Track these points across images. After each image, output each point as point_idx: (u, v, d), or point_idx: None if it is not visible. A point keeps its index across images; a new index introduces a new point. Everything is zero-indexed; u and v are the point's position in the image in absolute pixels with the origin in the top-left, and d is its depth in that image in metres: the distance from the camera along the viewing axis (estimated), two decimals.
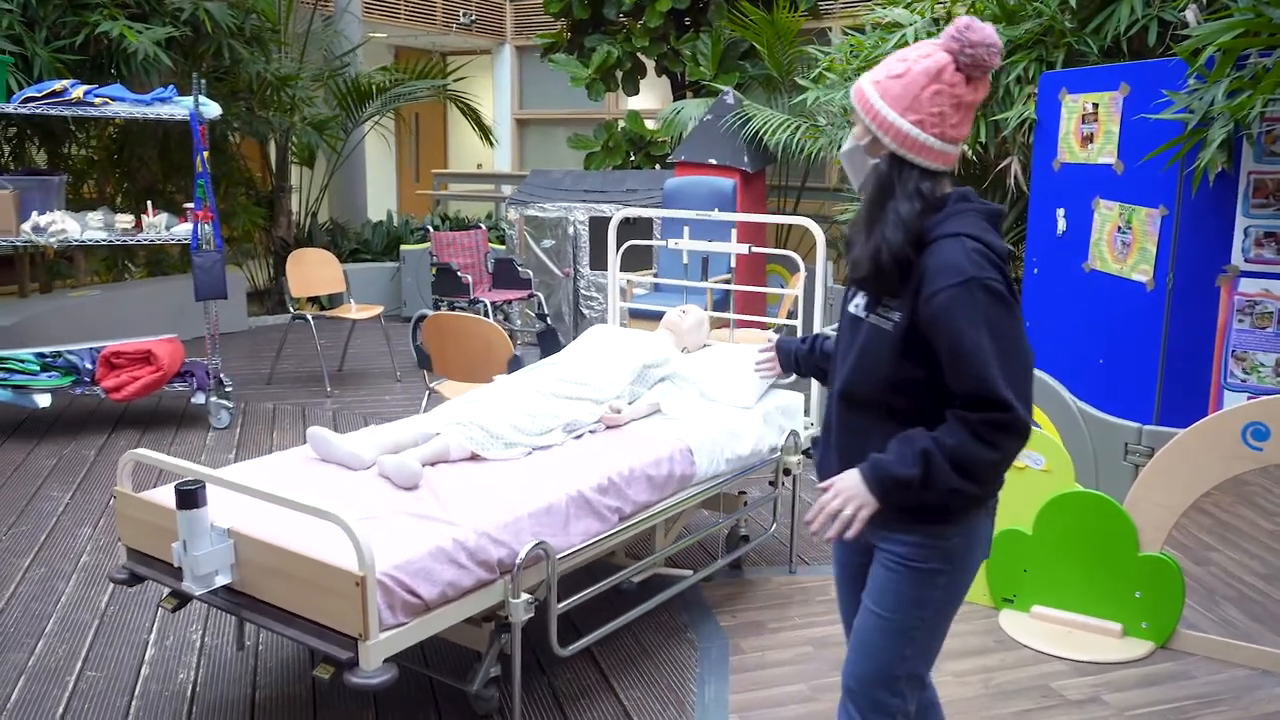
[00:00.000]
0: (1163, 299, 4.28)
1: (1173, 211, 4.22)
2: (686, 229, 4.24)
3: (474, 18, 12.24)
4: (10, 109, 5.03)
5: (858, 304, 1.97)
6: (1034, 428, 1.98)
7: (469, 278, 6.93)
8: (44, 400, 5.29)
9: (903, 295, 1.83)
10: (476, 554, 2.53)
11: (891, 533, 1.93)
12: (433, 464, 2.98)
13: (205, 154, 5.24)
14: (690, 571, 3.50)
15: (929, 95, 1.79)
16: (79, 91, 5.10)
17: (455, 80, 10.25)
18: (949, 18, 5.66)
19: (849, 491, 1.85)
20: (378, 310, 6.71)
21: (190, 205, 5.37)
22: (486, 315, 6.77)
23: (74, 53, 6.14)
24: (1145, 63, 4.48)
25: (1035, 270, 5.19)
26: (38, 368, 5.31)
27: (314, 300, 8.29)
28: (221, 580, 2.51)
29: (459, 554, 2.49)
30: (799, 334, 4.37)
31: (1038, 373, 3.75)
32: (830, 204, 8.33)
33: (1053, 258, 5.05)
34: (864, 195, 1.91)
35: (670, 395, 3.61)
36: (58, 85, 5.07)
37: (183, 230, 5.42)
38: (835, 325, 2.20)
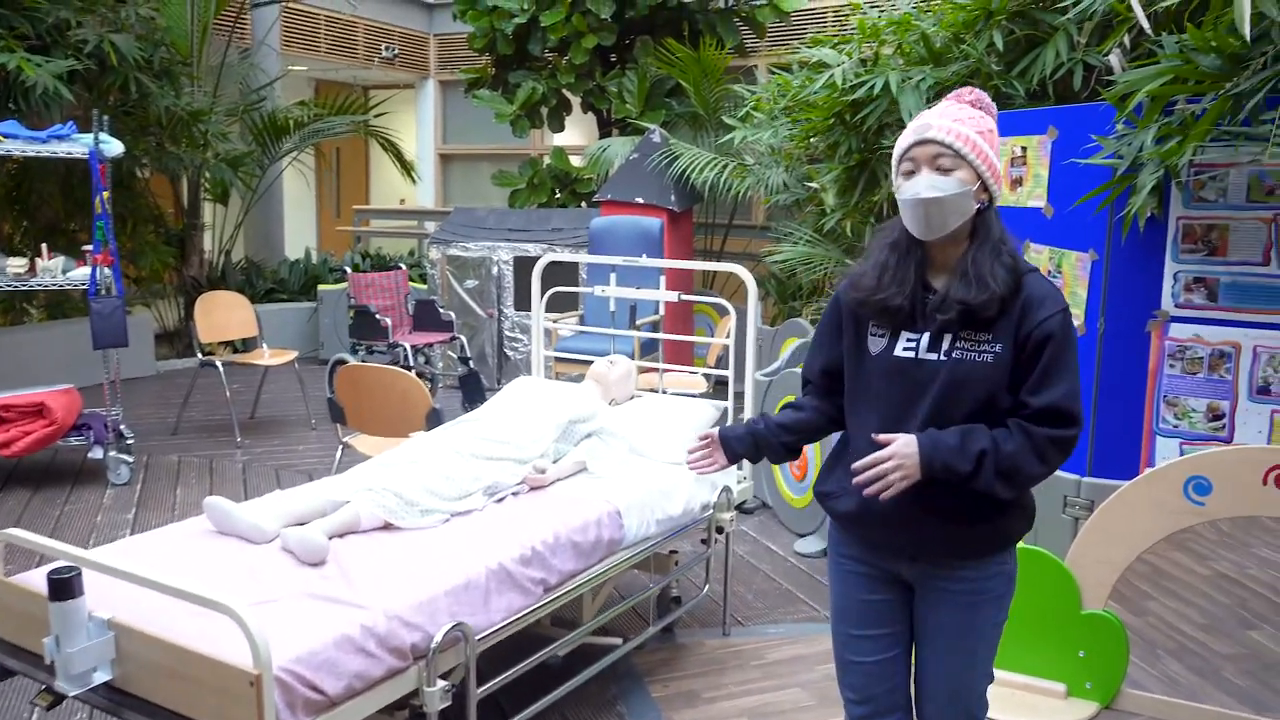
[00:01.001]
0: (1094, 344, 4.24)
1: (1103, 256, 4.19)
2: (613, 275, 4.09)
3: (397, 51, 12.03)
4: None
5: (909, 346, 2.01)
6: None
7: (388, 320, 6.69)
8: None
9: (998, 326, 1.95)
10: (387, 640, 2.32)
11: (963, 565, 2.06)
12: (342, 535, 2.77)
13: (105, 194, 4.95)
14: (620, 640, 3.31)
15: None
16: None
17: (377, 115, 10.01)
18: (877, 59, 5.63)
19: (906, 461, 1.92)
20: (291, 355, 6.42)
21: (89, 248, 5.07)
22: (406, 359, 6.53)
23: None
24: (1074, 107, 4.47)
25: None
26: None
27: (228, 344, 7.95)
28: (100, 678, 2.26)
29: (367, 641, 2.28)
30: (730, 381, 4.23)
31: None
32: (758, 242, 8.28)
33: None
34: (953, 236, 2.00)
35: (597, 452, 3.43)
36: None
37: (80, 275, 5.12)
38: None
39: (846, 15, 7.20)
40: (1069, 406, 1.92)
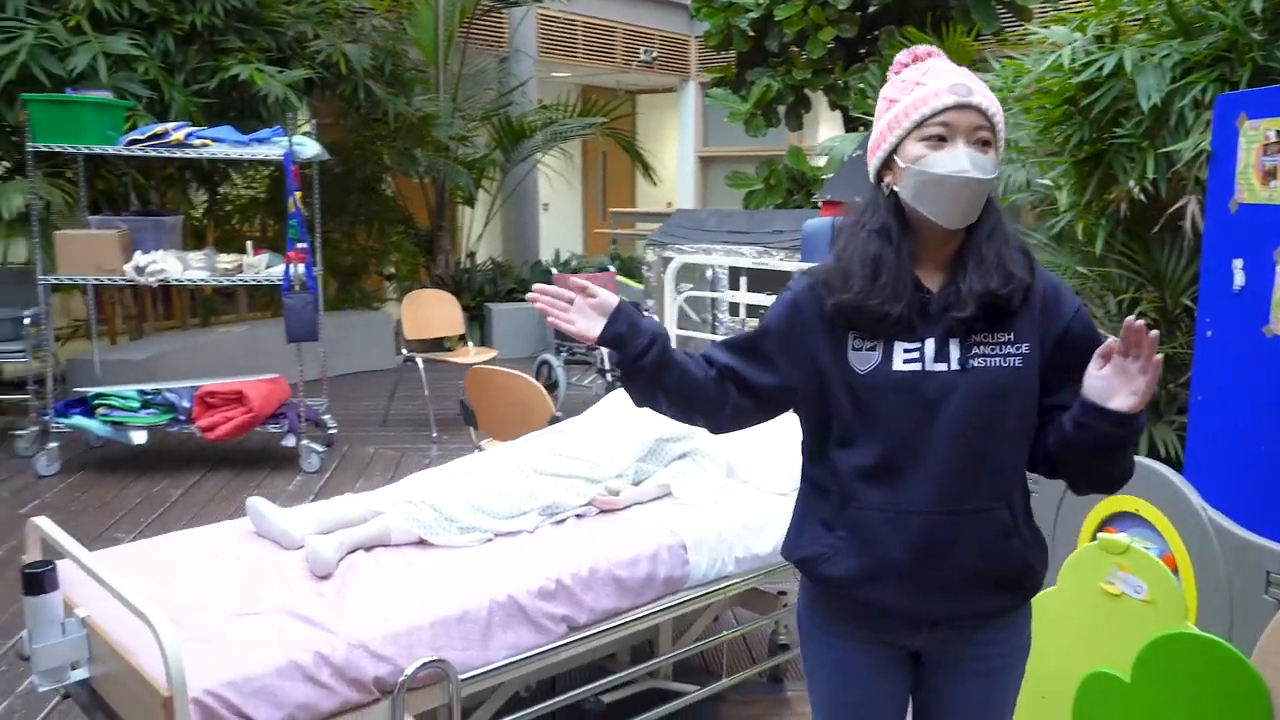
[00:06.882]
0: None
1: None
2: (743, 279, 3.70)
3: (655, 55, 12.03)
4: (114, 152, 5.15)
5: (911, 357, 1.62)
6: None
7: None
8: (140, 437, 5.33)
9: (1018, 324, 1.63)
10: (345, 671, 2.11)
11: (995, 625, 1.72)
12: (369, 549, 2.61)
13: (298, 194, 5.17)
14: (695, 687, 2.93)
15: None
16: (180, 134, 5.14)
17: (616, 118, 10.05)
18: (1115, 35, 4.83)
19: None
20: (491, 354, 6.49)
21: (301, 245, 5.28)
22: (602, 363, 6.41)
23: (210, 96, 6.29)
24: None
25: (1209, 333, 4.27)
26: (137, 404, 5.37)
27: (462, 339, 8.19)
28: (79, 675, 2.23)
29: (320, 671, 2.08)
30: None
31: (1157, 466, 2.97)
32: None
33: (1228, 319, 4.13)
34: (978, 222, 1.65)
35: (687, 475, 3.06)
36: (159, 128, 5.14)
37: (278, 271, 5.37)
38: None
39: None
40: None
